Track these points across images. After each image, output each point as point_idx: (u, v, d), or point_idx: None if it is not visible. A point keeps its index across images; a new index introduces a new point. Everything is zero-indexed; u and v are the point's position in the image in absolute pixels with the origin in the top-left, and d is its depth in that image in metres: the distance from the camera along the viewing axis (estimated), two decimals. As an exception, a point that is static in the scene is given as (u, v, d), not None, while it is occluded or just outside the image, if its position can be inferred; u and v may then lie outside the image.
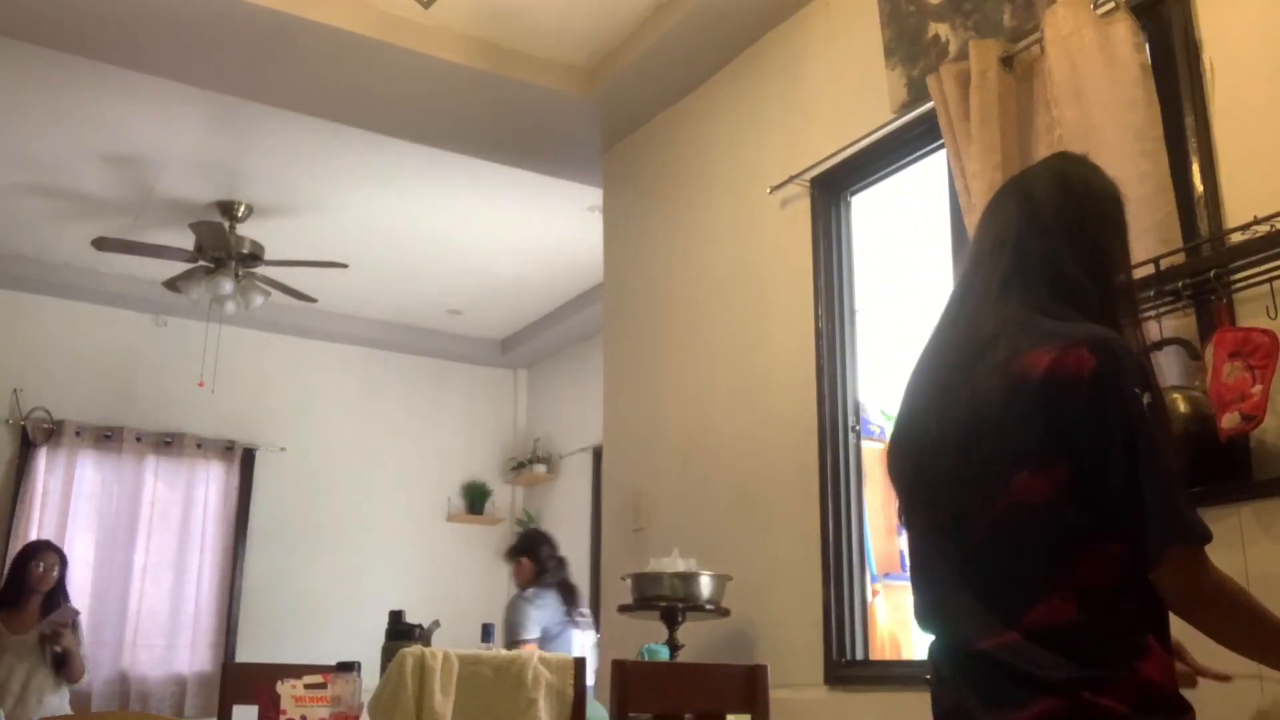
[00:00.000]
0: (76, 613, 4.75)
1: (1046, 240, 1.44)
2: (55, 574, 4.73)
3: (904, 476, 1.50)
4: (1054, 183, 1.49)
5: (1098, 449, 1.29)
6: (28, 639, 4.58)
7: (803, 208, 3.42)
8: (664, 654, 3.07)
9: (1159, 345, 2.16)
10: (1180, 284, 2.14)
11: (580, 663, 2.66)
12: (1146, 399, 1.31)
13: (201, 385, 6.28)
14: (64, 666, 4.61)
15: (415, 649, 2.50)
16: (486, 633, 3.44)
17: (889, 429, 3.80)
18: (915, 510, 1.48)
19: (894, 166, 3.22)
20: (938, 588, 1.45)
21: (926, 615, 1.49)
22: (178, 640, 6.24)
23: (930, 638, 1.50)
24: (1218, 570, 1.32)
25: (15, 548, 5.77)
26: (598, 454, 6.22)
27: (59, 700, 4.62)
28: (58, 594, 4.75)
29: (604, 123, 4.34)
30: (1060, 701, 1.29)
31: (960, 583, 1.40)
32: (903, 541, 3.77)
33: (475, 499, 7.33)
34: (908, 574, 1.66)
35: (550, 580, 4.89)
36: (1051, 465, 1.30)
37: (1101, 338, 1.34)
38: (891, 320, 3.57)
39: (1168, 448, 1.31)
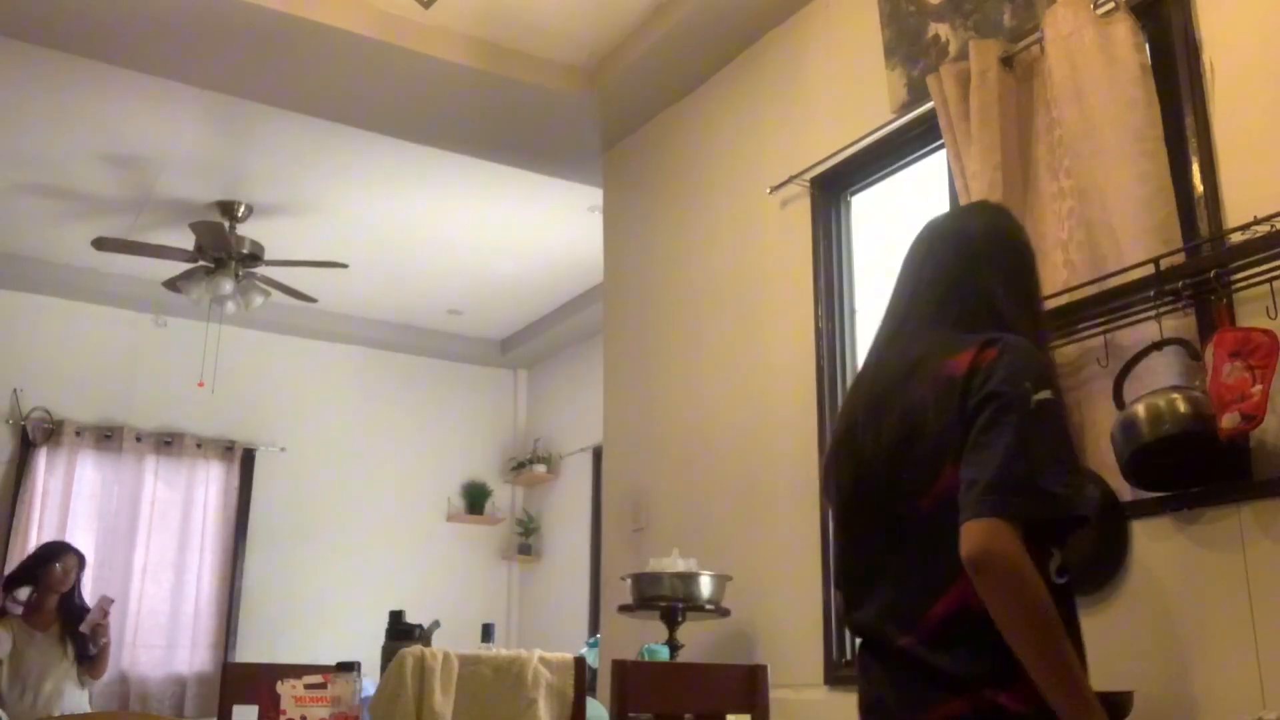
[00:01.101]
0: (111, 600, 4.81)
1: (983, 280, 1.58)
2: (73, 575, 4.79)
3: (844, 489, 1.59)
4: (989, 231, 1.65)
5: (970, 430, 1.40)
6: (49, 636, 4.64)
7: (803, 208, 3.42)
8: (664, 654, 3.07)
9: (1159, 345, 2.16)
10: (1180, 284, 2.13)
11: (580, 662, 2.66)
12: (1042, 395, 1.39)
13: (201, 385, 6.28)
14: (94, 661, 4.70)
15: (415, 649, 2.50)
16: (486, 633, 3.45)
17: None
18: (854, 520, 1.57)
19: (894, 166, 3.22)
20: (868, 589, 1.53)
21: (855, 616, 1.56)
22: (177, 640, 6.24)
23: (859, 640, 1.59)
24: (1017, 553, 1.31)
25: (15, 547, 5.80)
26: (598, 454, 6.22)
27: (81, 697, 4.69)
28: (74, 594, 4.80)
29: (604, 123, 4.34)
30: (966, 702, 1.36)
31: (887, 581, 1.49)
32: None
33: (475, 499, 7.33)
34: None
35: None
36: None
37: (1011, 339, 1.46)
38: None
39: (1039, 444, 1.36)
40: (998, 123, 2.57)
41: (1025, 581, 1.31)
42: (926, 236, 1.69)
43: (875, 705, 1.50)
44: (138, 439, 6.36)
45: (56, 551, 4.85)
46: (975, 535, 1.32)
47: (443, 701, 2.46)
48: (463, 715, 2.50)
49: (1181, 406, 2.04)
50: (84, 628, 4.66)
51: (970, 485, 1.35)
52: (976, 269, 1.59)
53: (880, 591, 1.50)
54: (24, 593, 4.73)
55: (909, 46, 3.03)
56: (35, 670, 4.56)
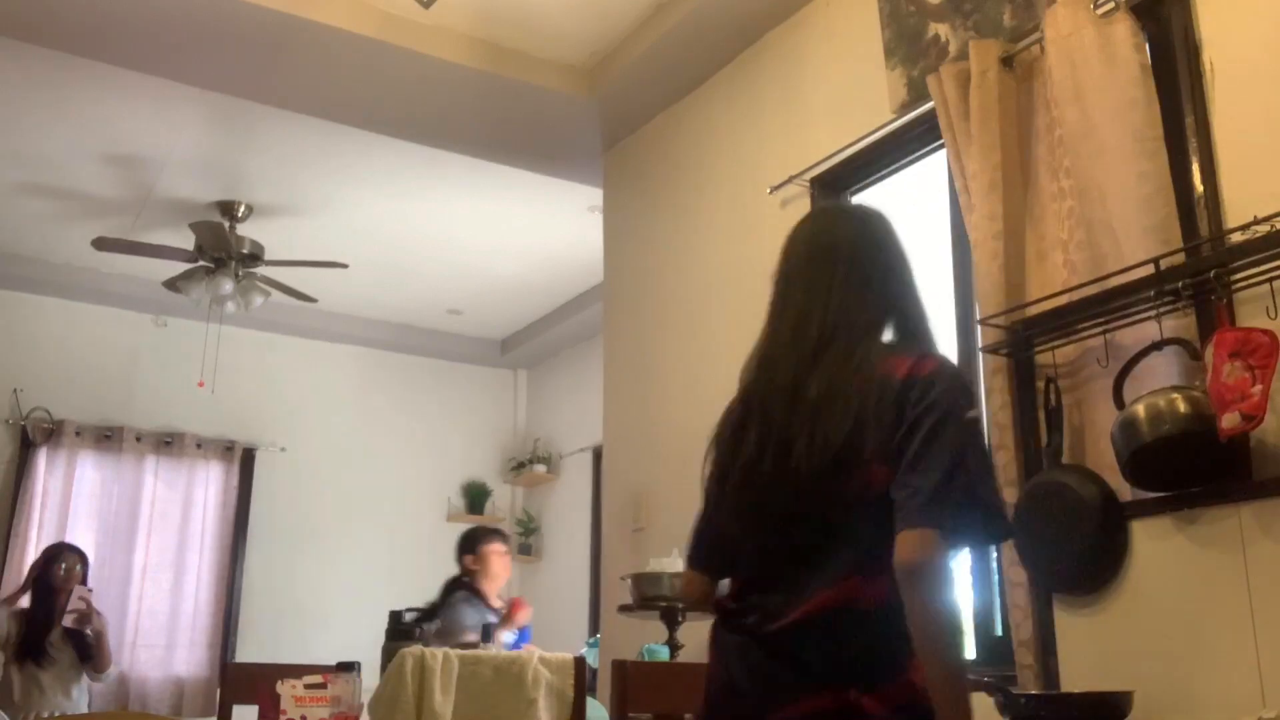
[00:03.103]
0: (87, 589, 4.81)
1: (902, 296, 1.66)
2: (78, 572, 4.81)
3: (756, 479, 1.58)
4: (871, 241, 1.69)
5: (923, 446, 1.44)
6: (52, 637, 4.68)
7: (803, 208, 3.42)
8: (664, 654, 3.07)
9: (1159, 345, 2.16)
10: (1180, 284, 2.13)
11: (580, 662, 2.66)
12: (973, 414, 1.48)
13: (201, 385, 6.28)
14: (95, 653, 4.73)
15: (415, 649, 2.51)
16: (486, 633, 3.45)
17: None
18: (756, 511, 1.58)
19: (894, 166, 3.22)
20: (757, 574, 1.56)
21: (724, 600, 1.61)
22: (177, 640, 6.24)
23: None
24: (945, 563, 1.39)
25: (15, 548, 5.81)
26: (598, 454, 6.22)
27: (79, 696, 4.72)
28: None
29: (604, 123, 4.34)
30: (827, 700, 1.40)
31: (772, 570, 1.53)
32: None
33: (475, 499, 7.33)
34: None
35: None
36: (896, 456, 1.45)
37: (943, 357, 1.57)
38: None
39: (973, 458, 1.44)
40: (998, 123, 2.57)
41: (947, 592, 1.38)
42: (822, 247, 1.70)
43: (726, 688, 1.53)
44: (138, 439, 6.36)
45: (57, 553, 4.87)
46: (913, 543, 1.38)
47: (443, 702, 2.46)
48: (462, 715, 2.50)
49: (1181, 406, 2.04)
50: (66, 621, 4.67)
51: (914, 494, 1.41)
52: (869, 280, 1.65)
53: (766, 579, 1.54)
54: (25, 599, 4.78)
55: (909, 46, 3.03)
56: (36, 671, 4.60)
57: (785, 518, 1.54)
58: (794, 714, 1.41)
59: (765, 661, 1.48)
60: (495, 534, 4.81)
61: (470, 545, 4.64)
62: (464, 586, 4.51)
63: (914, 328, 1.64)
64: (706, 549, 1.74)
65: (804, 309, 1.66)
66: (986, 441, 1.48)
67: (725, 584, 1.68)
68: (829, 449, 1.49)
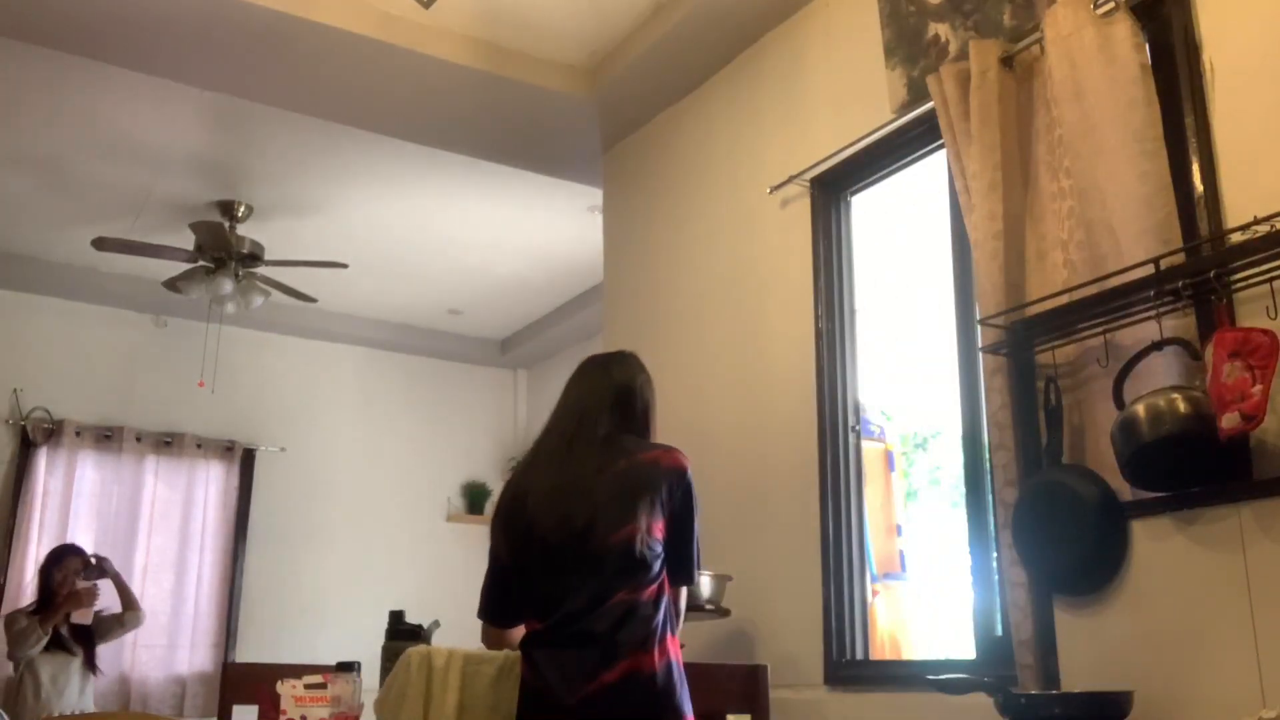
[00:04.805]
0: (85, 564, 4.88)
1: (633, 409, 2.29)
2: (76, 575, 4.88)
3: (549, 534, 2.15)
4: (638, 379, 2.35)
5: (682, 515, 2.14)
6: (61, 636, 4.77)
7: (803, 208, 3.42)
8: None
9: (1159, 345, 2.16)
10: (1180, 284, 2.13)
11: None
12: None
13: (201, 385, 6.28)
14: (121, 598, 4.93)
15: (421, 648, 2.50)
16: (487, 632, 3.42)
17: (887, 430, 3.80)
18: (556, 555, 2.13)
19: (894, 166, 3.22)
20: (564, 599, 2.09)
21: (544, 608, 2.14)
22: (178, 640, 6.24)
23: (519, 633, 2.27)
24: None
25: (16, 548, 5.83)
26: (598, 454, 6.20)
27: (87, 696, 4.78)
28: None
29: (604, 123, 4.34)
30: (627, 663, 2.00)
31: (575, 592, 2.07)
32: (901, 542, 3.78)
33: (475, 499, 7.33)
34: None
35: None
36: (658, 518, 2.10)
37: (681, 452, 2.20)
38: (891, 320, 3.57)
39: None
40: (998, 123, 2.57)
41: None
42: (592, 379, 2.33)
43: (543, 691, 2.07)
44: (138, 439, 6.36)
45: (57, 557, 4.92)
46: (684, 592, 2.26)
47: (448, 700, 2.46)
48: (467, 714, 2.50)
49: (1181, 406, 2.04)
50: (76, 618, 4.74)
51: (684, 553, 2.15)
52: (630, 402, 2.30)
53: (573, 600, 2.08)
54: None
55: (909, 46, 3.03)
56: (47, 671, 4.67)
57: (584, 562, 2.07)
58: (597, 685, 1.98)
59: (574, 654, 2.03)
60: None
61: None
62: None
63: (646, 431, 2.32)
64: (506, 610, 2.33)
65: (572, 419, 2.28)
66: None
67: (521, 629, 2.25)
68: (595, 504, 2.08)
